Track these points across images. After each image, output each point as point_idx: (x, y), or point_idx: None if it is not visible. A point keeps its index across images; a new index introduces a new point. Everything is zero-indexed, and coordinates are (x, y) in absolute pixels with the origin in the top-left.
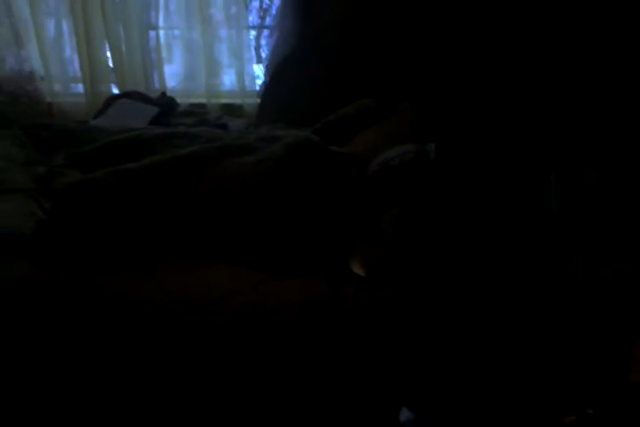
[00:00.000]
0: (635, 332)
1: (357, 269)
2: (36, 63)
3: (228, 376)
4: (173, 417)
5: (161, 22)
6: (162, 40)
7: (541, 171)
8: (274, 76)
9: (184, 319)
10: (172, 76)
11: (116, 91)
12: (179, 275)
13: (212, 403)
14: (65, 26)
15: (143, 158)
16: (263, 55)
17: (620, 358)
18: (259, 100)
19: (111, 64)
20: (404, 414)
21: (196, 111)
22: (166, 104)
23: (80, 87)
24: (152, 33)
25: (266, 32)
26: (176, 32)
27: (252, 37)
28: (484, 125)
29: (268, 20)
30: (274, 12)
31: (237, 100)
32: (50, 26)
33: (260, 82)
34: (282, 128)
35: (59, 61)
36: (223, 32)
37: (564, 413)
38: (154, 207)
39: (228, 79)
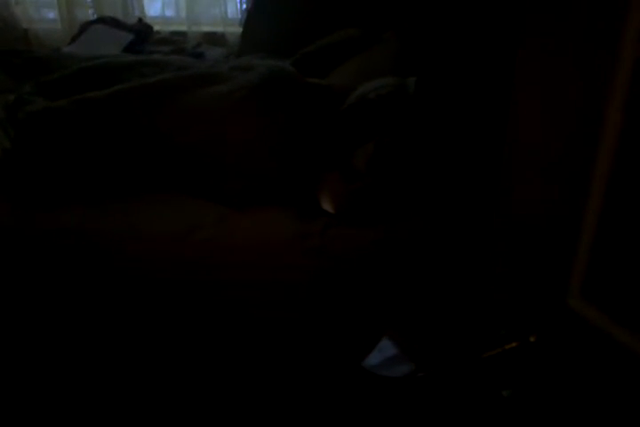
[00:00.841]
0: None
1: (326, 205)
2: None
3: (190, 316)
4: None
5: None
6: None
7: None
8: (257, 3)
9: (145, 253)
10: (152, 2)
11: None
12: (141, 207)
13: (173, 340)
14: None
15: (110, 86)
16: None
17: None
18: (241, 29)
19: None
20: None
21: (173, 39)
22: (142, 31)
23: (56, 13)
24: None
25: None
26: None
27: None
28: (469, 61)
29: None
30: None
31: (219, 29)
32: None
33: (243, 10)
34: (261, 58)
35: None
36: None
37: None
38: (117, 138)
39: (209, 7)
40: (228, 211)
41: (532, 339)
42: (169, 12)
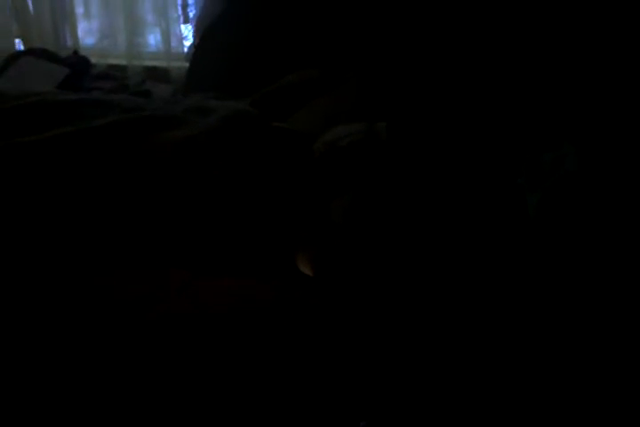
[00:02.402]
0: None
1: (304, 268)
2: None
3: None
4: None
5: None
6: None
7: (508, 155)
8: (204, 37)
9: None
10: (88, 32)
11: (20, 47)
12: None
13: None
14: None
15: (46, 130)
16: (191, 15)
17: None
18: (187, 64)
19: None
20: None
21: (114, 74)
22: (78, 64)
23: None
24: None
25: None
26: None
27: None
28: (441, 101)
29: None
30: None
31: (162, 63)
32: None
33: (188, 43)
34: (213, 97)
35: None
36: None
37: None
38: (52, 191)
39: (151, 39)
40: (189, 278)
41: None
42: (106, 44)
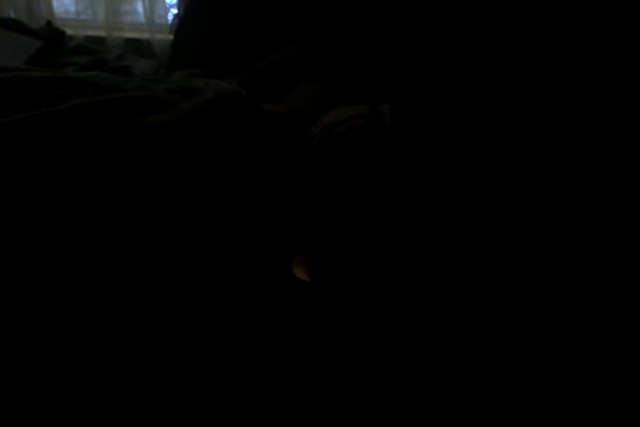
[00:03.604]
0: None
1: (299, 272)
2: None
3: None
4: None
5: None
6: None
7: (530, 145)
8: (189, 7)
9: None
10: (64, 1)
11: None
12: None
13: None
14: None
15: (12, 111)
16: None
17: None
18: (171, 37)
19: None
20: None
21: (92, 48)
22: (52, 37)
23: None
24: None
25: None
26: None
27: None
28: (451, 80)
29: None
30: None
31: (145, 35)
32: None
33: (172, 14)
34: (199, 74)
35: None
36: None
37: None
38: (15, 185)
39: (134, 8)
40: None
41: None
42: (83, 14)
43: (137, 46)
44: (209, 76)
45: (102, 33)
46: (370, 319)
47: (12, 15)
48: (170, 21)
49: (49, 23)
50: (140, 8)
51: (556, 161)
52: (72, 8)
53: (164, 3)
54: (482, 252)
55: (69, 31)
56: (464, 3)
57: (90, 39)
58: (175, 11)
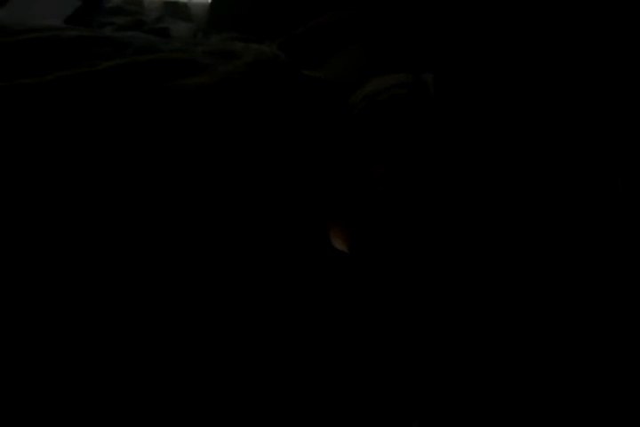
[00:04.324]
0: None
1: (338, 244)
2: None
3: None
4: None
5: None
6: None
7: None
8: None
9: None
10: None
11: None
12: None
13: None
14: None
15: (50, 70)
16: None
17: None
18: (209, 0)
19: None
20: None
21: (130, 9)
22: None
23: None
24: None
25: None
26: None
27: None
28: (504, 46)
29: None
30: None
31: None
32: None
33: None
34: (237, 39)
35: None
36: None
37: None
38: (51, 140)
39: None
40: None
41: None
42: None
43: (175, 9)
44: (247, 40)
45: None
46: (411, 295)
47: None
48: None
49: None
50: None
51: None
52: None
53: None
54: (533, 227)
55: None
56: None
57: (128, 1)
58: None
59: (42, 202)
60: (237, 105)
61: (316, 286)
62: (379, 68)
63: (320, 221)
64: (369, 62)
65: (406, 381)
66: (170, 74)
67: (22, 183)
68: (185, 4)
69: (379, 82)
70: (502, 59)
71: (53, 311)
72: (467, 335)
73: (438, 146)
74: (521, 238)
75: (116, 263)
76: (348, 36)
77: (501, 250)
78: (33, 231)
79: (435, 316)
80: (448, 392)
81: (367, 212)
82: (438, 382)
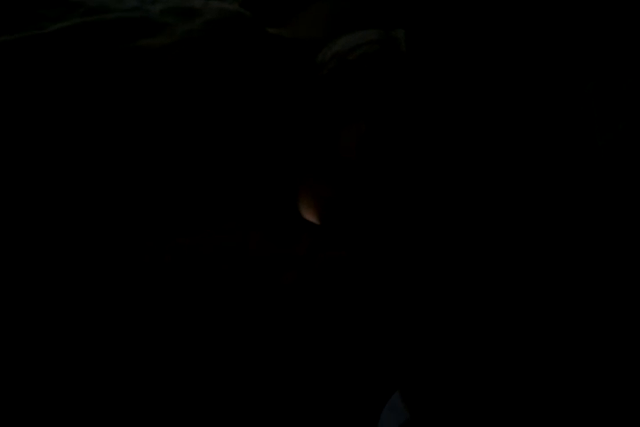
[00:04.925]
0: None
1: (307, 214)
2: None
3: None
4: None
5: None
6: None
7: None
8: None
9: None
10: None
11: None
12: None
13: None
14: None
15: None
16: None
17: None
18: None
19: None
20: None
21: None
22: None
23: None
24: None
25: None
26: None
27: None
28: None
29: None
30: None
31: None
32: None
33: None
34: None
35: None
36: None
37: None
38: None
39: None
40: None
41: None
42: None
43: None
44: None
45: None
46: (387, 266)
47: None
48: None
49: None
50: None
51: (597, 92)
52: None
53: None
54: (508, 191)
55: None
56: None
57: None
58: None
59: None
60: (198, 66)
61: (285, 257)
62: (347, 25)
63: (288, 190)
64: (337, 19)
65: (387, 351)
66: (125, 35)
67: None
68: None
69: (348, 39)
70: (478, 10)
71: (52, 307)
72: (444, 304)
73: (412, 107)
74: (496, 204)
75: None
76: None
77: (478, 215)
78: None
79: (411, 286)
80: (430, 362)
81: (338, 180)
82: (420, 352)
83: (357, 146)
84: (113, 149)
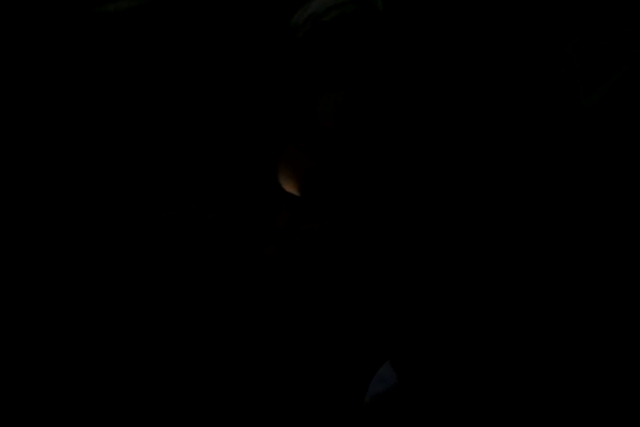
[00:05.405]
0: None
1: (287, 186)
2: None
3: None
4: None
5: None
6: None
7: (547, 31)
8: None
9: None
10: None
11: None
12: None
13: None
14: None
15: None
16: None
17: None
18: None
19: None
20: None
21: None
22: None
23: None
24: None
25: None
26: None
27: None
28: None
29: None
30: None
31: None
32: None
33: None
34: None
35: None
36: None
37: None
38: None
39: None
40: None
41: None
42: None
43: None
44: None
45: None
46: (370, 240)
47: None
48: None
49: None
50: None
51: (580, 52)
52: None
53: None
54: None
55: None
56: None
57: None
58: None
59: None
60: (165, 30)
61: (265, 230)
62: None
63: (267, 162)
64: None
65: (378, 322)
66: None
67: None
68: None
69: (322, 0)
70: None
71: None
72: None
73: (391, 72)
74: (478, 174)
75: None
76: None
77: (458, 184)
78: None
79: (394, 259)
80: (419, 333)
81: (317, 151)
82: (409, 324)
83: (336, 114)
84: (80, 118)
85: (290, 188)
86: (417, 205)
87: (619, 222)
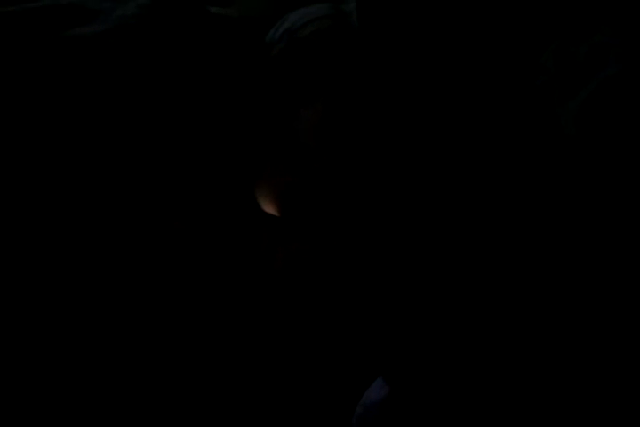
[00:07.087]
0: None
1: (266, 206)
2: None
3: None
4: None
5: None
6: None
7: (520, 43)
8: None
9: None
10: None
11: None
12: None
13: None
14: None
15: None
16: None
17: None
18: None
19: None
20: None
21: None
22: None
23: None
24: None
25: None
26: None
27: None
28: None
29: None
30: None
31: None
32: None
33: None
34: None
35: None
36: None
37: None
38: None
39: None
40: None
41: None
42: None
43: None
44: None
45: None
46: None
47: None
48: None
49: None
50: None
51: (554, 62)
52: None
53: None
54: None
55: None
56: None
57: None
58: None
59: None
60: (135, 54)
61: (246, 253)
62: (296, 1)
63: (244, 181)
64: None
65: (370, 337)
66: (56, 24)
67: None
68: None
69: (298, 15)
70: None
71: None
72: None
73: (366, 86)
74: (460, 187)
75: None
76: None
77: (441, 197)
78: None
79: (381, 272)
80: (411, 348)
81: (298, 169)
82: (402, 338)
83: (315, 130)
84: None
85: (269, 207)
86: (399, 221)
87: (602, 225)
